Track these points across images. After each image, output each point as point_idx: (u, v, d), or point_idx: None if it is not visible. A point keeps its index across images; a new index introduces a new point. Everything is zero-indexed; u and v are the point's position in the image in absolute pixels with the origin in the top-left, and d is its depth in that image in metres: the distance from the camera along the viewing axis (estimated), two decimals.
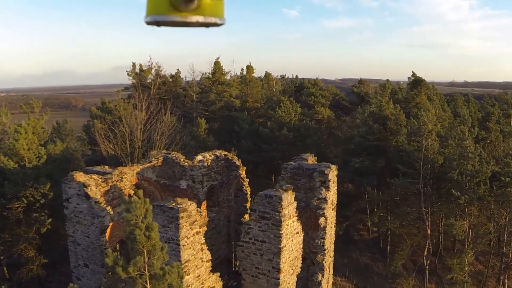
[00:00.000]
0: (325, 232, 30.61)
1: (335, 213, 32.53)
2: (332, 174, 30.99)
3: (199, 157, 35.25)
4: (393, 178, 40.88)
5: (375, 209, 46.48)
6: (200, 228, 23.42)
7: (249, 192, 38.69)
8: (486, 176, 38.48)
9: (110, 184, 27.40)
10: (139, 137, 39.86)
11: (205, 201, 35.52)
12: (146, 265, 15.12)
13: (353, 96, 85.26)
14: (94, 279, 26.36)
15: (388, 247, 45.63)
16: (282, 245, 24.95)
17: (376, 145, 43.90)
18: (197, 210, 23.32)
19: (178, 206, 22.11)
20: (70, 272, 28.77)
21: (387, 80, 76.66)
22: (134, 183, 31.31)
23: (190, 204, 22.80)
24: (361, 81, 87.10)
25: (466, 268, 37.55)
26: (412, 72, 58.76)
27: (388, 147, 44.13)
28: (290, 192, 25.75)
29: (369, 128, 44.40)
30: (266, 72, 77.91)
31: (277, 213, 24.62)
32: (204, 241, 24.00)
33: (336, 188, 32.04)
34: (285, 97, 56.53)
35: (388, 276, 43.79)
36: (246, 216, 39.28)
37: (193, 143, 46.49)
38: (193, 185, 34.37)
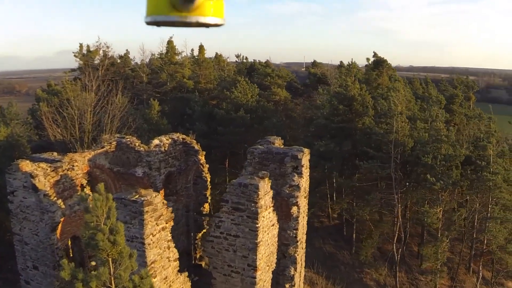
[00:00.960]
0: (298, 222, 27.92)
1: (307, 201, 29.84)
2: (305, 158, 28.31)
3: (156, 141, 31.95)
4: (362, 162, 38.51)
5: (343, 195, 44.10)
6: (166, 223, 20.26)
7: (209, 179, 35.68)
8: (459, 160, 36.65)
9: (60, 173, 23.83)
10: (89, 120, 36.10)
11: (163, 189, 32.30)
12: (112, 278, 11.89)
13: (303, 78, 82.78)
14: (45, 282, 22.84)
15: (354, 235, 43.35)
16: (258, 240, 22.07)
17: (341, 127, 41.42)
18: (163, 202, 20.09)
19: (142, 198, 18.85)
20: (17, 270, 25.13)
21: (340, 62, 74.80)
22: (86, 171, 27.71)
23: (155, 196, 19.61)
24: (315, 63, 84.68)
25: (441, 257, 35.61)
26: (374, 52, 56.72)
27: (354, 130, 41.69)
28: (266, 180, 22.89)
29: (334, 109, 41.82)
30: (217, 53, 74.31)
31: (253, 204, 21.70)
32: (170, 237, 20.84)
33: (308, 173, 29.33)
34: (241, 77, 53.41)
35: (355, 265, 41.66)
36: (206, 206, 36.38)
37: (146, 126, 42.95)
38: (150, 172, 31.10)
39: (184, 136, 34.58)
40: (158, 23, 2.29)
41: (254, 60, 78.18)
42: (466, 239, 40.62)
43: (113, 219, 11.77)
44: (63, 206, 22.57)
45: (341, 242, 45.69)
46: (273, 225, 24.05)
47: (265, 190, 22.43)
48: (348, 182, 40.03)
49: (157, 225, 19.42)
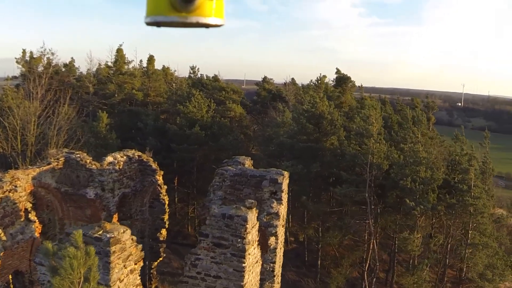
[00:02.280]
0: (275, 255, 24.17)
1: (284, 230, 26.15)
2: (285, 183, 24.65)
3: (109, 159, 27.66)
4: (334, 186, 35.24)
5: (304, 220, 40.56)
6: (135, 265, 16.06)
7: (167, 202, 31.51)
8: (438, 183, 33.93)
9: (0, 195, 19.18)
10: (32, 132, 31.28)
11: (116, 213, 27.99)
12: None
13: (248, 95, 79.52)
14: None
15: (319, 261, 39.86)
16: (244, 282, 18.11)
17: (309, 147, 37.98)
18: (132, 239, 15.94)
19: (108, 236, 14.65)
20: None
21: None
22: (30, 191, 23.12)
23: (123, 232, 15.42)
24: (265, 79, 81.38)
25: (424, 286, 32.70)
26: (337, 68, 53.90)
27: (322, 150, 38.34)
28: (254, 210, 18.99)
29: (302, 127, 38.38)
30: (164, 66, 69.73)
31: (239, 240, 17.80)
32: (140, 281, 16.64)
33: (286, 199, 25.69)
34: (196, 90, 49.46)
35: None
36: (163, 231, 32.12)
37: (93, 141, 38.36)
38: (103, 193, 26.74)
39: (140, 153, 30.38)
40: (158, 24, 2.26)
41: (201, 74, 74.14)
42: (441, 266, 37.91)
43: (93, 284, 7.72)
44: (3, 237, 18.00)
45: (303, 268, 42.21)
46: (257, 262, 20.20)
47: (252, 223, 18.61)
48: (318, 207, 36.58)
49: (125, 268, 15.29)
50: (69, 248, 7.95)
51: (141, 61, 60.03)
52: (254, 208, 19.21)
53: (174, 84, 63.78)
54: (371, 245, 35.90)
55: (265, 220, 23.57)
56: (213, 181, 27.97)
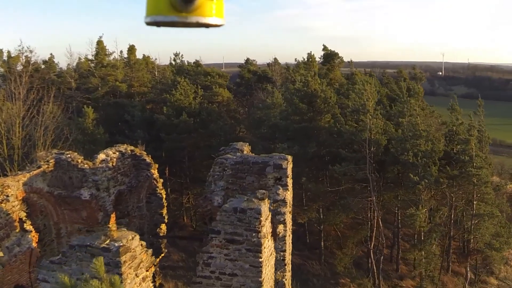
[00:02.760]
0: (285, 243, 23.04)
1: (291, 216, 24.95)
2: (289, 167, 23.39)
3: (102, 156, 26.18)
4: (333, 165, 34.07)
5: (303, 202, 39.42)
6: (147, 271, 14.83)
7: (164, 196, 30.20)
8: (439, 155, 32.95)
9: None
10: (18, 134, 29.67)
11: (114, 212, 26.67)
12: None
13: (233, 78, 78.12)
14: None
15: (322, 243, 38.88)
16: (262, 277, 16.98)
17: (303, 127, 36.75)
18: (141, 244, 14.67)
19: (117, 244, 13.35)
20: None
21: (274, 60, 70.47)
22: (22, 198, 21.71)
23: (132, 238, 14.12)
24: (248, 61, 79.79)
25: (433, 262, 31.87)
26: (323, 45, 52.53)
27: (317, 129, 37.12)
28: (267, 201, 17.79)
29: (295, 107, 37.09)
30: (144, 55, 67.75)
31: (254, 234, 16.65)
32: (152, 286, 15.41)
33: (291, 184, 24.47)
34: (181, 77, 47.92)
35: (328, 276, 37.28)
36: (163, 226, 30.84)
37: (81, 137, 36.87)
38: (98, 193, 25.31)
39: (132, 148, 28.96)
40: (158, 24, 2.24)
41: (182, 61, 72.35)
42: (447, 239, 37.12)
43: None
44: (0, 253, 16.64)
45: (306, 251, 41.26)
46: (271, 254, 19.07)
47: (266, 214, 17.43)
48: (319, 187, 35.45)
49: (137, 276, 14.05)
50: (92, 282, 6.69)
51: (121, 51, 58.26)
52: (267, 199, 17.99)
53: (156, 73, 62.22)
54: (375, 223, 34.96)
55: (272, 208, 22.36)
56: (212, 171, 26.67)
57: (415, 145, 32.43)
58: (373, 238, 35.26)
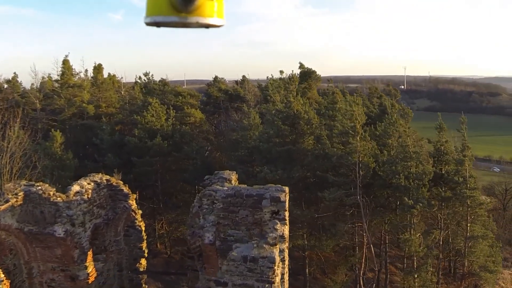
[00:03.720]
0: (283, 281, 21.07)
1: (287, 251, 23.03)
2: (287, 199, 21.50)
3: (76, 188, 23.83)
4: (320, 190, 32.35)
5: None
6: None
7: (143, 228, 27.98)
8: (429, 177, 31.58)
9: None
10: None
11: (91, 249, 24.37)
12: None
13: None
14: None
15: (307, 269, 37.02)
16: None
17: (287, 150, 34.95)
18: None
19: None
20: None
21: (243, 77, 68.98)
22: None
23: None
24: (217, 79, 77.87)
25: None
26: (300, 63, 50.73)
27: (302, 152, 35.33)
28: (278, 246, 15.84)
29: (277, 129, 35.27)
30: (110, 73, 64.92)
31: (267, 285, 14.59)
32: None
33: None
34: (152, 98, 45.78)
35: None
36: (143, 261, 28.57)
37: (49, 163, 34.36)
38: (73, 229, 22.94)
39: (108, 177, 26.66)
40: (158, 24, 2.24)
41: (149, 78, 69.98)
42: (438, 262, 35.76)
43: None
44: None
45: (289, 278, 39.26)
46: None
47: (277, 262, 15.46)
48: (306, 213, 33.57)
49: None
50: None
51: (86, 70, 55.61)
52: (278, 243, 16.06)
53: (123, 92, 59.82)
54: (364, 249, 33.34)
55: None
56: (197, 202, 24.53)
57: (406, 167, 31.02)
58: (363, 264, 33.59)
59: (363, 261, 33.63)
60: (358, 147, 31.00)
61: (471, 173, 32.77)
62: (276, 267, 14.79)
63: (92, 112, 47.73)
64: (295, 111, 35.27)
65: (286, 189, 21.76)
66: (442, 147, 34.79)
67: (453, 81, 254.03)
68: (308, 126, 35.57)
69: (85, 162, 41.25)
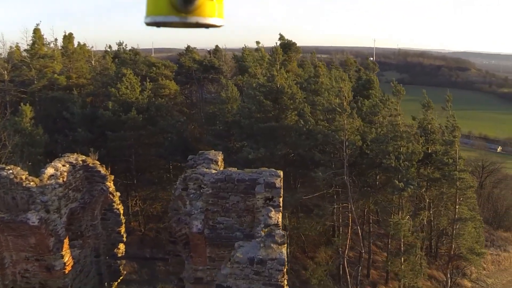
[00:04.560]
0: None
1: None
2: (281, 185, 19.97)
3: (50, 171, 21.92)
4: (308, 168, 30.91)
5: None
6: None
7: (121, 211, 26.24)
8: (418, 157, 30.43)
9: None
10: None
11: (67, 237, 22.59)
12: None
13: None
14: None
15: (288, 249, 35.80)
16: None
17: (270, 126, 33.29)
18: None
19: None
20: None
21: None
22: None
23: None
24: (189, 48, 75.24)
25: (420, 272, 29.46)
26: (280, 34, 48.71)
27: (285, 129, 33.71)
28: (286, 245, 14.34)
29: (259, 105, 33.53)
30: (79, 42, 61.56)
31: None
32: None
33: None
34: (127, 69, 43.47)
35: (297, 285, 34.31)
36: (121, 246, 26.88)
37: (19, 140, 32.16)
38: (48, 216, 21.13)
39: (84, 158, 24.73)
40: (158, 24, 2.24)
41: (123, 48, 67.12)
42: (423, 244, 34.97)
43: None
44: None
45: None
46: None
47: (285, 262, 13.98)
48: (292, 195, 32.09)
49: None
50: None
51: (56, 40, 52.54)
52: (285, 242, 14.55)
53: (93, 62, 57.19)
54: (349, 231, 32.20)
55: (263, 233, 18.99)
56: (180, 185, 23.01)
57: (396, 147, 29.77)
58: (347, 246, 32.50)
59: (348, 242, 32.49)
60: (345, 124, 29.50)
61: (460, 154, 31.71)
62: (284, 269, 13.23)
63: (64, 84, 45.25)
64: (278, 86, 33.53)
65: (281, 173, 20.22)
66: (429, 126, 33.58)
67: (422, 54, 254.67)
68: (291, 101, 33.91)
69: (55, 137, 39.07)
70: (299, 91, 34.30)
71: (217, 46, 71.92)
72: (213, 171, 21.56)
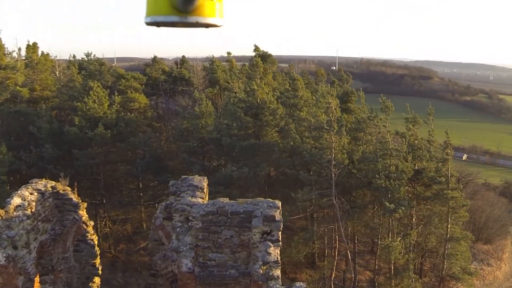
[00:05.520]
0: None
1: None
2: (281, 217, 17.95)
3: (16, 201, 19.52)
4: (292, 189, 28.99)
5: None
6: None
7: (96, 241, 23.85)
8: (408, 176, 28.89)
9: None
10: None
11: (38, 274, 20.18)
12: None
13: None
14: None
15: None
16: None
17: (251, 144, 31.28)
18: None
19: None
20: None
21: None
22: None
23: None
24: (156, 59, 72.72)
25: None
26: (255, 45, 46.67)
27: (267, 147, 31.73)
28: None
29: (240, 122, 31.48)
30: (43, 52, 58.32)
31: None
32: None
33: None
34: (94, 82, 40.91)
35: None
36: (97, 279, 24.25)
37: None
38: (15, 253, 18.75)
39: (53, 184, 22.33)
40: (158, 24, 2.21)
41: (83, 57, 64.12)
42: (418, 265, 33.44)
43: None
44: None
45: None
46: None
47: None
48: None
49: None
50: None
51: (19, 49, 49.38)
52: None
53: (57, 73, 54.34)
54: (335, 253, 30.40)
55: (261, 271, 16.97)
56: (160, 214, 21.01)
57: (386, 166, 28.14)
58: (334, 269, 30.69)
59: (334, 266, 30.70)
60: (333, 142, 27.72)
61: (453, 172, 30.34)
62: None
63: (27, 96, 42.40)
64: (259, 101, 31.58)
65: (279, 203, 18.21)
66: (416, 142, 32.10)
67: (385, 63, 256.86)
68: (271, 117, 32.00)
69: (19, 154, 36.37)
70: (280, 106, 32.40)
71: (183, 56, 70.09)
72: (200, 200, 19.51)
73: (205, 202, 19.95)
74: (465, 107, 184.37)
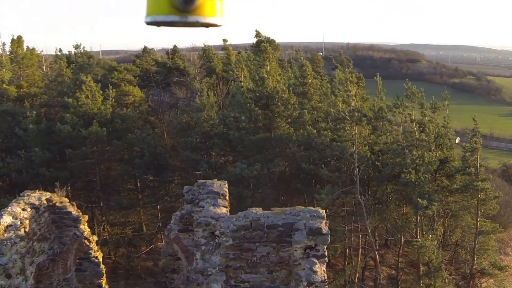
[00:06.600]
0: None
1: None
2: (328, 230, 14.83)
3: (7, 219, 16.33)
4: (313, 186, 26.01)
5: None
6: None
7: (100, 259, 20.76)
8: (434, 168, 26.01)
9: None
10: None
11: None
12: None
13: None
14: None
15: None
16: None
17: (263, 138, 28.11)
18: None
19: None
20: None
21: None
22: None
23: None
24: (146, 49, 69.43)
25: None
26: (256, 31, 43.30)
27: (280, 141, 28.63)
28: None
29: (250, 114, 28.31)
30: (28, 46, 54.65)
31: None
32: None
33: None
34: (86, 76, 37.57)
35: None
36: None
37: None
38: (9, 282, 15.65)
39: (49, 196, 19.15)
40: (158, 23, 2.15)
41: (70, 51, 60.78)
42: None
43: None
44: None
45: None
46: None
47: None
48: None
49: None
50: None
51: (4, 44, 45.74)
52: None
53: (44, 68, 50.89)
54: (359, 254, 27.51)
55: None
56: (175, 226, 17.93)
57: (414, 158, 25.21)
58: (357, 271, 27.83)
59: (357, 269, 27.83)
60: (356, 134, 24.71)
61: (481, 162, 27.66)
62: None
63: (14, 94, 39.02)
64: (269, 90, 28.44)
65: (323, 212, 15.08)
66: (437, 129, 29.25)
67: (372, 47, 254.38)
68: (283, 108, 28.90)
69: (5, 158, 33.15)
70: (292, 95, 29.30)
71: (175, 46, 67.15)
72: (224, 210, 16.42)
73: (228, 210, 16.96)
74: (454, 89, 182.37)
